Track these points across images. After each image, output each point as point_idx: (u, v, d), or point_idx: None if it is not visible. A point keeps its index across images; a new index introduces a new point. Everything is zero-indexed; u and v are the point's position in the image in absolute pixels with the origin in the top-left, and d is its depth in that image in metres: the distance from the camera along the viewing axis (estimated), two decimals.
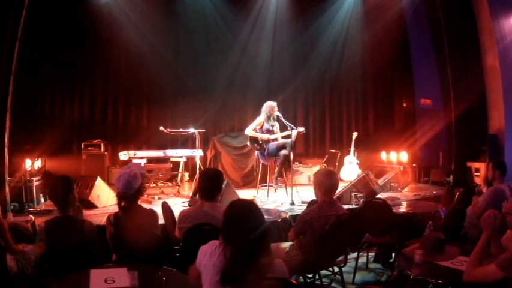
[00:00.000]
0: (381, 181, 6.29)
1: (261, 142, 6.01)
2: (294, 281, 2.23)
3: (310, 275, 3.40)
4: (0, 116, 4.90)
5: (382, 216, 4.05)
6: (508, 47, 7.19)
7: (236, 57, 8.27)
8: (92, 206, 5.18)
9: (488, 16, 7.14)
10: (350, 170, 7.52)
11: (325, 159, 7.95)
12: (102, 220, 3.63)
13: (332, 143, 8.80)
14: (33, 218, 4.29)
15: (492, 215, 2.42)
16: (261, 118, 6.05)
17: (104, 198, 5.37)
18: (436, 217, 4.36)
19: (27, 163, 6.09)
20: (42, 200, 5.43)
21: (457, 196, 4.44)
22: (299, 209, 5.10)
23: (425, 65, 8.66)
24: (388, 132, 8.80)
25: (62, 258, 2.60)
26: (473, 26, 7.37)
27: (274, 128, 6.09)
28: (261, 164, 6.33)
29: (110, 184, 5.89)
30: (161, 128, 6.45)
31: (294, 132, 5.66)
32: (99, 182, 5.40)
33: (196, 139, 6.48)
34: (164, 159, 7.15)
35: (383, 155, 8.41)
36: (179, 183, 6.89)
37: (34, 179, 5.41)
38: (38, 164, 6.48)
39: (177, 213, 3.38)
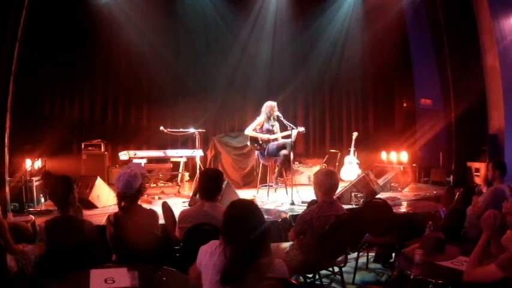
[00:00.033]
0: (381, 181, 6.29)
1: (261, 142, 6.01)
2: (294, 281, 2.23)
3: (310, 275, 3.40)
4: (0, 116, 4.90)
5: (382, 216, 4.05)
6: (508, 47, 7.19)
7: (236, 57, 8.27)
8: (92, 206, 5.18)
9: (488, 16, 7.14)
10: (350, 170, 7.53)
11: (325, 159, 7.95)
12: (102, 220, 3.64)
13: (332, 143, 8.80)
14: (33, 218, 4.29)
15: (492, 215, 2.42)
16: (261, 118, 6.05)
17: (104, 198, 5.37)
18: (436, 217, 4.36)
19: (27, 163, 6.09)
20: (42, 200, 5.43)
21: (457, 196, 4.45)
22: (299, 209, 5.10)
23: (425, 65, 8.66)
24: (388, 132, 8.80)
25: (62, 258, 2.60)
26: (473, 26, 7.37)
27: (274, 128, 6.09)
28: (261, 164, 6.33)
29: (110, 184, 5.89)
30: (161, 128, 6.45)
31: (294, 132, 5.66)
32: (99, 182, 5.40)
33: (196, 139, 6.48)
34: (164, 159, 7.15)
35: (383, 155, 8.41)
36: (179, 183, 6.89)
37: (34, 179, 5.42)
38: (38, 164, 6.48)
39: (177, 213, 3.38)
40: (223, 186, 3.78)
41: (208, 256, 1.99)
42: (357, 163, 7.60)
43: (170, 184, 7.19)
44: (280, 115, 5.90)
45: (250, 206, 2.05)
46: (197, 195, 4.56)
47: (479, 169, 6.80)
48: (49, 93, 7.58)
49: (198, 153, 6.55)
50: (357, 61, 8.71)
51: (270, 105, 6.01)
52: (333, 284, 3.97)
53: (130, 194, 2.84)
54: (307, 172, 7.61)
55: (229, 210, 2.04)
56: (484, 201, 3.72)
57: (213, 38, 8.29)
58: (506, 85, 7.11)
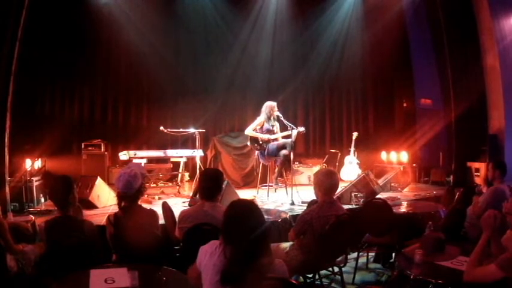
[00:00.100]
0: (381, 181, 6.29)
1: (261, 142, 6.01)
2: (294, 281, 2.23)
3: (310, 275, 3.40)
4: (0, 116, 4.90)
5: (382, 216, 4.05)
6: (508, 47, 7.19)
7: (236, 57, 8.26)
8: (92, 206, 5.18)
9: (488, 16, 7.14)
10: (350, 170, 7.53)
11: (325, 159, 7.95)
12: (102, 220, 3.63)
13: (332, 143, 8.80)
14: (33, 218, 4.29)
15: (492, 215, 2.42)
16: (261, 118, 6.05)
17: (104, 198, 5.37)
18: (436, 217, 4.36)
19: (27, 163, 6.09)
20: (42, 200, 5.43)
21: (457, 196, 4.45)
22: (299, 209, 5.10)
23: (425, 65, 8.66)
24: (388, 132, 8.80)
25: (62, 258, 2.60)
26: (473, 26, 7.37)
27: (275, 128, 6.09)
28: (261, 164, 6.33)
29: (110, 184, 5.89)
30: (161, 128, 6.45)
31: (294, 132, 5.66)
32: (99, 182, 5.40)
33: (197, 139, 6.48)
34: (164, 159, 7.15)
35: (383, 155, 8.42)
36: (179, 183, 6.89)
37: (34, 179, 5.42)
38: (38, 164, 6.47)
39: (177, 213, 3.38)
40: (223, 186, 3.78)
41: (208, 256, 1.99)
42: (357, 163, 7.60)
43: (170, 184, 7.18)
44: (280, 115, 5.90)
45: (250, 206, 2.05)
46: (197, 195, 4.57)
47: (479, 169, 6.80)
48: (49, 93, 7.57)
49: (198, 153, 6.55)
50: (357, 61, 8.71)
51: (270, 105, 6.01)
52: (333, 284, 3.96)
53: (130, 194, 2.84)
54: (307, 172, 7.61)
55: (229, 210, 2.04)
56: (484, 201, 3.72)
57: (213, 38, 8.29)
58: (506, 85, 7.11)
